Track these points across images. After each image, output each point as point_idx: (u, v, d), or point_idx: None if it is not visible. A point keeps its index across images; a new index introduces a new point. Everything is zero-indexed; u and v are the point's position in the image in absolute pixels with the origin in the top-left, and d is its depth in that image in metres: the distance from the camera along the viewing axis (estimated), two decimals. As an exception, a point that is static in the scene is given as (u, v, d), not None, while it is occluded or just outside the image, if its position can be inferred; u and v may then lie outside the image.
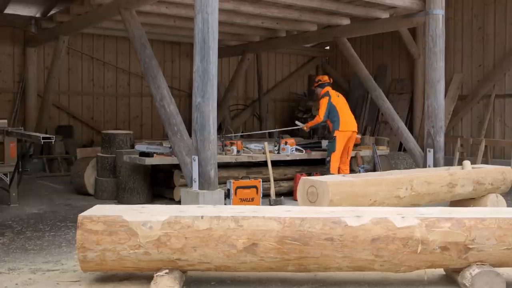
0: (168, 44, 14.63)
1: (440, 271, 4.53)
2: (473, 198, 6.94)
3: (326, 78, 9.50)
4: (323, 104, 9.03)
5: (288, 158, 9.00)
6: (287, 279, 4.43)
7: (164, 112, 7.44)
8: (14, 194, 8.07)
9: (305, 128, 9.60)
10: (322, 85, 9.37)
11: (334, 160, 8.81)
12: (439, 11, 8.85)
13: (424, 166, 8.83)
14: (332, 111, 9.05)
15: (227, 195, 7.45)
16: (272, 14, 9.92)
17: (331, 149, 8.88)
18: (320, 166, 9.53)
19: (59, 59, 11.60)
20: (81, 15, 10.16)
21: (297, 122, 10.03)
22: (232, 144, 8.60)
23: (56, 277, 4.53)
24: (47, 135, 7.48)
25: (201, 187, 6.60)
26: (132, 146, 8.80)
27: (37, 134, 8.34)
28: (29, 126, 12.07)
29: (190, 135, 6.96)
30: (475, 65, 12.80)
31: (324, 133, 13.98)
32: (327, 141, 9.45)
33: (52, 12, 12.03)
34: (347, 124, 9.09)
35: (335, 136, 8.91)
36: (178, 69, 15.01)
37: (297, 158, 9.13)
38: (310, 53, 16.84)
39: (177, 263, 4.07)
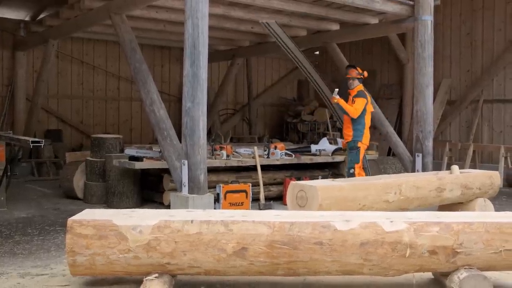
0: (158, 49, 14.64)
1: (429, 275, 4.56)
2: (461, 203, 6.98)
3: (366, 74, 8.68)
4: (361, 104, 8.24)
5: (277, 163, 9.02)
6: (277, 283, 4.44)
7: (154, 117, 7.44)
8: (2, 198, 8.03)
9: (335, 100, 8.47)
10: (360, 80, 8.53)
11: (359, 171, 8.25)
12: (427, 17, 8.92)
13: (413, 170, 8.88)
14: (361, 118, 8.30)
15: (216, 200, 7.46)
16: (261, 19, 9.94)
17: (354, 160, 8.25)
18: (309, 170, 9.56)
19: (49, 62, 11.56)
20: (71, 19, 10.14)
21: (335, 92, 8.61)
22: (221, 148, 8.61)
23: (45, 281, 4.51)
24: (36, 139, 7.44)
25: (191, 191, 6.61)
26: (122, 150, 8.78)
27: (26, 138, 8.30)
28: (17, 130, 12.01)
29: (180, 139, 6.97)
30: (464, 70, 12.90)
31: (313, 138, 14.04)
32: (319, 146, 9.47)
33: (41, 16, 12.01)
34: (368, 138, 8.49)
35: (359, 147, 8.30)
36: (168, 73, 15.01)
37: (287, 163, 9.15)
38: (299, 58, 16.85)
39: (166, 267, 4.06)
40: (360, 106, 8.24)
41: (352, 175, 8.13)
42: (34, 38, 11.95)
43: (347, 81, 8.50)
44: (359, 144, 8.30)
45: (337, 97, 8.37)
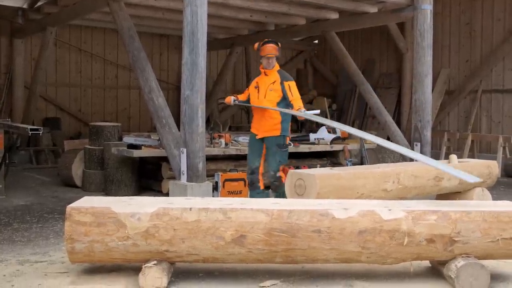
0: (157, 37, 14.59)
1: (426, 263, 4.58)
2: (459, 192, 7.00)
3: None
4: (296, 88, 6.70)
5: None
6: (275, 270, 4.46)
7: (153, 105, 7.42)
8: (1, 186, 8.03)
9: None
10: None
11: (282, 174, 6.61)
12: (427, 6, 8.89)
13: (411, 160, 8.88)
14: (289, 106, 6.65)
15: (215, 188, 7.46)
16: (260, 8, 9.91)
17: (284, 160, 6.72)
18: (308, 159, 9.57)
19: (47, 50, 11.52)
20: (69, 7, 10.09)
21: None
22: (220, 137, 8.61)
23: (44, 268, 4.52)
24: (35, 127, 7.45)
25: (189, 179, 6.61)
26: (120, 139, 8.78)
27: (25, 125, 8.30)
28: (16, 118, 11.98)
29: (178, 127, 6.96)
30: (463, 60, 12.89)
31: (312, 127, 14.04)
32: (318, 135, 9.48)
33: (39, 3, 11.91)
34: None
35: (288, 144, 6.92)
36: (166, 61, 14.97)
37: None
38: (298, 46, 16.83)
39: (165, 254, 4.08)
40: (298, 93, 6.64)
41: (279, 180, 6.54)
42: (32, 26, 11.90)
43: (266, 60, 6.63)
44: (288, 140, 6.84)
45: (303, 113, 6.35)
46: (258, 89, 6.71)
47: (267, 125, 6.64)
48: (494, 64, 12.18)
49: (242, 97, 7.09)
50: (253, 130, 6.87)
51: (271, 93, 6.61)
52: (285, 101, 6.61)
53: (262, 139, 6.75)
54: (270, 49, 6.61)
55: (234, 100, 7.00)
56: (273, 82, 6.63)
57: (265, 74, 6.73)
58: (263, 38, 12.98)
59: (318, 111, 6.60)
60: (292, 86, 6.58)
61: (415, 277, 4.39)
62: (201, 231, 4.02)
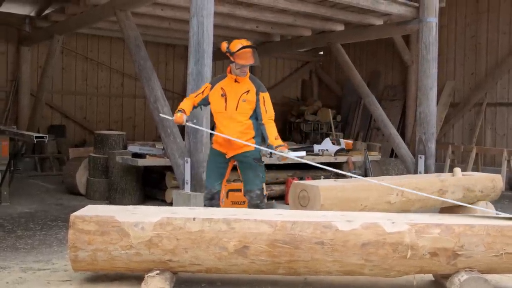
0: (163, 46, 14.64)
1: (429, 276, 4.56)
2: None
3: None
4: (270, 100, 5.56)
5: (280, 162, 9.00)
6: (278, 282, 4.45)
7: (158, 114, 7.45)
8: (5, 193, 8.06)
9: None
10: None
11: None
12: (432, 19, 8.92)
13: (415, 172, 8.88)
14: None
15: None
16: (266, 19, 9.95)
17: (264, 176, 5.62)
18: (312, 170, 9.56)
19: (53, 58, 11.60)
20: (76, 15, 10.16)
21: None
22: None
23: (46, 276, 4.53)
24: (40, 134, 7.49)
25: (193, 189, 6.62)
26: (125, 147, 8.80)
27: (30, 133, 8.34)
28: (21, 125, 12.04)
29: (183, 137, 6.98)
30: (468, 73, 12.89)
31: (316, 138, 14.05)
32: (322, 146, 9.45)
33: (47, 11, 12.01)
34: None
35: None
36: (172, 71, 15.02)
37: (289, 162, 9.13)
38: (304, 58, 16.89)
39: (168, 264, 4.08)
40: (271, 105, 5.52)
41: (262, 197, 5.55)
42: (39, 34, 11.97)
43: (241, 67, 5.37)
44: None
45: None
46: (226, 98, 5.35)
47: (239, 137, 5.34)
48: (499, 77, 12.18)
49: (189, 103, 5.50)
50: (216, 146, 5.52)
51: (244, 104, 5.33)
52: (254, 115, 5.40)
53: (229, 158, 5.51)
54: (250, 58, 5.31)
55: (187, 121, 5.43)
56: (247, 92, 5.35)
57: (236, 81, 5.40)
58: (269, 49, 13.16)
59: (303, 153, 5.43)
60: (266, 99, 5.40)
61: (418, 290, 4.38)
62: (204, 241, 4.02)
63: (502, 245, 4.13)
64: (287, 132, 15.90)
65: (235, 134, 5.33)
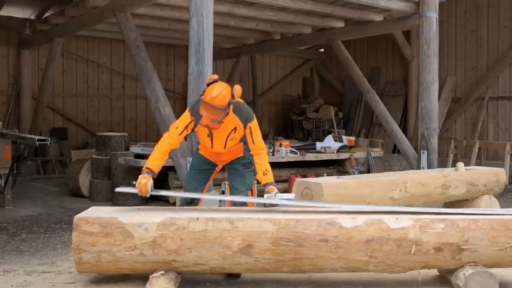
0: (163, 47, 14.64)
1: (434, 271, 4.56)
2: (467, 200, 6.97)
3: (238, 89, 4.63)
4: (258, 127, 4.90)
5: (282, 160, 9.02)
6: (282, 280, 4.45)
7: (159, 114, 7.45)
8: (8, 196, 8.06)
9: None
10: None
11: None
12: (432, 14, 8.89)
13: (418, 167, 8.86)
14: None
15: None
16: (266, 17, 9.93)
17: (251, 180, 5.15)
18: (314, 168, 9.56)
19: (54, 61, 11.60)
20: (76, 17, 10.15)
21: None
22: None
23: (51, 278, 4.53)
24: (42, 137, 7.48)
25: (196, 189, 6.60)
26: (127, 148, 8.80)
27: (32, 136, 8.33)
28: (23, 128, 12.05)
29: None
30: (469, 67, 12.87)
31: (318, 135, 14.04)
32: (324, 143, 9.44)
33: (46, 14, 12.02)
34: None
35: None
36: (172, 71, 15.01)
37: (292, 160, 9.15)
38: (304, 55, 16.88)
39: (172, 264, 4.08)
40: (260, 133, 4.88)
41: (245, 204, 4.91)
42: (39, 37, 11.98)
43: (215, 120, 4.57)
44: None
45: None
46: (212, 138, 4.80)
47: (229, 156, 5.00)
48: (501, 71, 12.15)
49: (161, 155, 4.72)
50: (204, 154, 5.08)
51: (232, 142, 4.83)
52: (243, 139, 4.86)
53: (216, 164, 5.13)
54: (213, 115, 4.48)
55: (153, 188, 4.57)
56: (234, 130, 4.74)
57: (222, 122, 4.67)
58: (269, 48, 13.12)
59: (293, 196, 4.81)
60: (253, 129, 4.75)
61: (423, 286, 4.37)
62: (208, 241, 4.02)
63: (507, 238, 4.13)
64: (289, 130, 15.90)
65: (226, 152, 4.90)
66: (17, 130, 9.59)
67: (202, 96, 4.47)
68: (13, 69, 12.71)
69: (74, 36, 12.84)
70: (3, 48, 12.57)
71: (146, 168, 4.59)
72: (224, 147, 4.83)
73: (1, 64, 12.60)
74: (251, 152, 4.82)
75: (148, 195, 4.49)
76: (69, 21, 10.52)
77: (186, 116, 4.69)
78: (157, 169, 4.65)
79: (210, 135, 4.77)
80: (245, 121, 4.70)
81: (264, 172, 4.74)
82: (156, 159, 4.65)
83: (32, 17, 12.57)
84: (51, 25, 11.24)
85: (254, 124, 4.76)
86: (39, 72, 12.85)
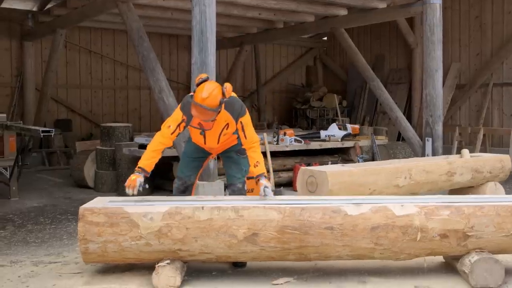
0: (166, 37, 14.61)
1: (440, 258, 4.56)
2: (472, 187, 6.96)
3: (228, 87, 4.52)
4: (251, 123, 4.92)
5: (287, 149, 9.01)
6: (288, 268, 4.46)
7: (163, 104, 7.45)
8: (14, 188, 8.09)
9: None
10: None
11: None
12: (436, 1, 8.82)
13: (423, 155, 8.85)
14: None
15: (226, 186, 7.47)
16: (269, 5, 9.89)
17: (247, 168, 4.97)
18: (319, 156, 9.56)
19: (57, 52, 11.59)
20: (78, 8, 10.13)
21: None
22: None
23: (58, 269, 4.55)
24: (47, 129, 7.49)
25: (201, 178, 6.60)
26: (131, 139, 8.81)
27: (36, 127, 8.35)
28: (27, 120, 12.06)
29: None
30: (473, 54, 12.80)
31: (322, 124, 14.03)
32: (328, 132, 9.44)
33: (49, 5, 11.99)
34: None
35: None
36: (176, 61, 14.99)
37: (296, 149, 9.15)
38: (307, 44, 16.82)
39: (178, 253, 4.09)
40: (252, 127, 4.89)
41: (244, 190, 5.03)
42: (42, 28, 11.96)
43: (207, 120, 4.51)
44: None
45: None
46: (205, 136, 4.76)
47: (223, 147, 4.96)
48: (505, 57, 12.09)
49: (153, 154, 4.70)
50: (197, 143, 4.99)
51: (225, 137, 4.80)
52: (236, 132, 4.79)
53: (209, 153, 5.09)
54: (204, 115, 4.42)
55: (141, 185, 4.63)
56: (226, 126, 4.69)
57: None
58: (272, 36, 13.08)
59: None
60: (245, 124, 4.73)
61: (428, 272, 4.38)
62: (213, 230, 4.03)
63: (512, 224, 4.12)
64: (293, 119, 15.89)
65: (220, 143, 4.85)
66: (21, 122, 9.61)
67: (192, 97, 4.41)
68: (16, 61, 12.71)
69: (77, 27, 12.83)
70: (5, 40, 12.56)
71: (138, 167, 4.63)
72: (218, 142, 4.80)
73: (4, 56, 12.60)
74: (243, 147, 4.78)
75: (135, 192, 4.52)
76: (71, 12, 10.50)
77: (177, 114, 4.65)
78: (149, 168, 4.66)
79: (203, 133, 4.72)
80: (237, 116, 4.64)
81: (255, 164, 4.69)
82: (148, 159, 4.66)
83: (34, 9, 12.54)
84: (54, 17, 11.22)
85: (245, 119, 4.71)
86: (42, 64, 12.85)
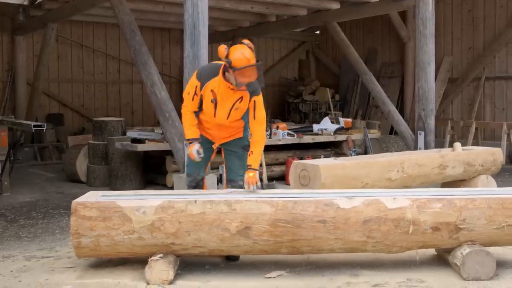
0: (158, 30, 14.56)
1: (432, 251, 4.58)
2: (464, 180, 7.00)
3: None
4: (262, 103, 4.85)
5: (280, 143, 9.02)
6: (281, 261, 4.47)
7: (156, 99, 7.43)
8: (6, 183, 8.06)
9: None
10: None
11: None
12: (428, -6, 8.84)
13: (415, 148, 8.87)
14: None
15: (219, 180, 7.46)
16: (261, -1, 9.89)
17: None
18: (311, 150, 9.56)
19: (48, 46, 11.53)
20: (70, 2, 10.09)
21: None
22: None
23: (50, 263, 4.54)
24: (38, 123, 7.47)
25: (193, 172, 6.60)
26: (124, 133, 8.79)
27: (28, 122, 8.32)
28: (19, 115, 12.00)
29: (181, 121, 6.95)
30: (465, 48, 12.83)
31: (315, 118, 14.04)
32: (321, 125, 9.44)
33: (40, -1, 11.94)
34: None
35: None
36: (168, 55, 14.95)
37: (289, 143, 9.15)
38: (300, 38, 16.81)
39: (171, 247, 4.09)
40: (263, 109, 4.86)
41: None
42: (33, 22, 11.89)
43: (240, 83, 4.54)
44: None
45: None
46: (216, 104, 4.67)
47: (229, 131, 4.91)
48: (497, 50, 12.13)
49: (194, 121, 4.83)
50: (202, 132, 4.94)
51: (236, 113, 4.75)
52: (245, 114, 4.82)
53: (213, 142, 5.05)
54: (254, 74, 4.46)
55: (199, 153, 4.73)
56: (240, 99, 4.68)
57: (230, 88, 4.61)
58: (265, 30, 13.06)
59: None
60: (258, 103, 4.72)
61: (421, 265, 4.39)
62: (206, 224, 4.03)
63: (504, 217, 4.15)
64: (285, 112, 15.88)
65: (225, 127, 4.87)
66: (13, 116, 9.58)
67: (226, 66, 4.46)
68: (8, 56, 12.64)
69: (68, 21, 12.77)
70: (-4, 34, 12.50)
71: (187, 140, 4.88)
72: (228, 117, 4.73)
73: (-5, 50, 12.54)
74: (249, 126, 4.78)
75: (201, 158, 4.72)
76: (62, 6, 10.45)
77: (193, 81, 4.72)
78: (196, 133, 4.81)
79: (214, 101, 4.65)
80: (252, 92, 4.64)
81: (249, 153, 4.73)
82: (189, 127, 4.81)
83: (26, 3, 12.44)
84: (45, 11, 11.15)
85: (259, 98, 4.72)
86: (33, 58, 12.78)
